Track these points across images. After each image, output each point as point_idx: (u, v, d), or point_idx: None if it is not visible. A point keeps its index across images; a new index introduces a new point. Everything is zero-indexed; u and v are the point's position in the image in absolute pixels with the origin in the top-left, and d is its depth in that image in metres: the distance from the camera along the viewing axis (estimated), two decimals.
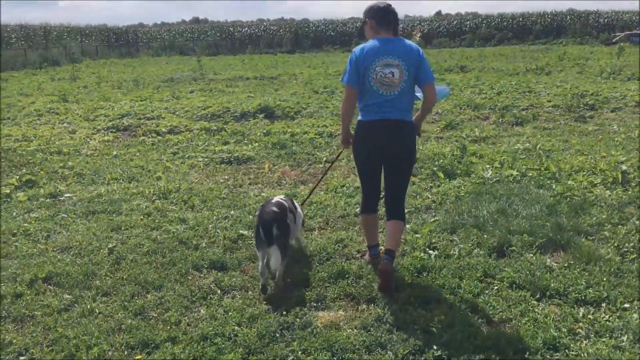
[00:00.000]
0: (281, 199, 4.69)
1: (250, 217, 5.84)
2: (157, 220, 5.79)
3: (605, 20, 48.49)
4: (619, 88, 13.63)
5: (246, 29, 52.03)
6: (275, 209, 4.38)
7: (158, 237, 5.35)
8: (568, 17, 49.52)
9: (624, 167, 6.53)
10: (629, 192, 6.02)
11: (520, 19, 49.41)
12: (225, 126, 11.03)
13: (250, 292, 4.28)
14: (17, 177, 7.35)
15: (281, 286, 4.35)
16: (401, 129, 4.29)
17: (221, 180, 7.34)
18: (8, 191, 6.84)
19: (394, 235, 4.40)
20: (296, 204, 4.95)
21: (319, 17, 56.29)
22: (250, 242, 5.24)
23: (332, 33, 50.04)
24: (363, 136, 4.42)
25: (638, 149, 7.81)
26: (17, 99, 15.65)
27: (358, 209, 5.99)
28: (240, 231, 5.45)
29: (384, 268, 4.19)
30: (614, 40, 34.38)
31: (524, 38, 45.65)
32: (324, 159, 8.32)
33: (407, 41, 4.36)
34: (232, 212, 6.01)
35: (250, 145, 9.27)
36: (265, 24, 56.21)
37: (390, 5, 4.37)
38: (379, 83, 4.22)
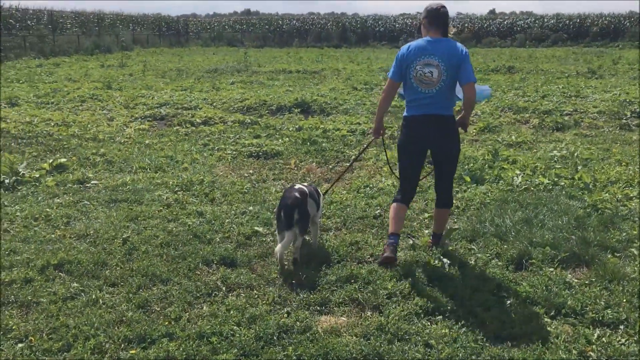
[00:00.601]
0: (303, 185, 4.92)
1: (269, 213, 5.80)
2: (175, 212, 5.80)
3: None
4: None
5: (294, 22, 52.08)
6: (299, 195, 4.63)
7: (174, 229, 5.36)
8: (627, 19, 47.72)
9: None
10: None
11: (577, 20, 47.88)
12: (259, 120, 11.04)
13: (255, 291, 4.22)
14: (50, 161, 7.49)
15: (297, 259, 4.60)
16: (440, 124, 4.57)
17: (245, 175, 7.32)
18: (38, 175, 6.98)
19: (440, 222, 4.93)
20: (320, 191, 5.19)
21: (371, 13, 55.86)
22: (264, 239, 5.20)
23: (380, 29, 49.60)
24: (405, 130, 4.73)
25: None
26: (63, 84, 16.08)
27: (378, 211, 5.90)
28: (256, 227, 5.41)
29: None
30: None
31: (580, 40, 44.25)
32: (353, 157, 8.21)
33: (453, 42, 4.54)
34: (250, 207, 5.97)
35: (280, 140, 9.23)
36: (314, 17, 56.15)
37: (443, 7, 4.58)
38: (418, 81, 4.53)
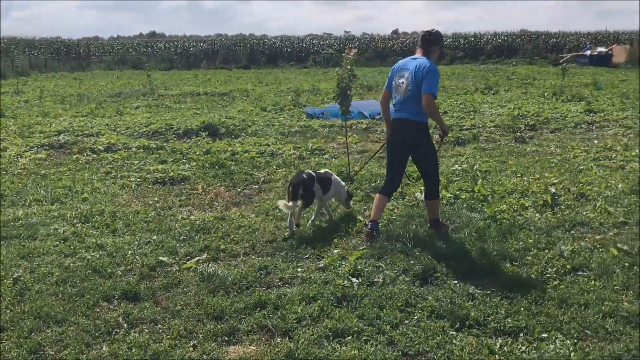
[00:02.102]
0: (312, 172, 6.10)
1: (174, 241, 5.62)
2: (73, 246, 5.49)
3: (555, 41, 50.15)
4: (560, 109, 13.94)
5: (202, 44, 51.58)
6: (305, 177, 5.90)
7: (71, 265, 5.06)
8: (519, 38, 50.99)
9: (552, 190, 6.56)
10: (558, 215, 6.03)
11: (473, 39, 50.58)
12: (165, 144, 10.76)
13: (159, 326, 4.04)
14: None
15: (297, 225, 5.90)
16: (407, 126, 5.50)
17: (150, 202, 7.06)
18: None
19: (430, 210, 5.72)
20: (334, 177, 6.25)
21: (278, 34, 56.26)
22: (169, 269, 5.02)
23: (288, 50, 50.09)
24: (391, 131, 5.73)
25: (570, 171, 7.90)
26: None
27: (287, 233, 5.85)
28: (161, 257, 5.21)
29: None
30: (561, 61, 35.42)
31: (477, 57, 46.64)
32: (262, 179, 8.14)
33: (424, 60, 5.41)
34: (154, 236, 5.75)
35: (187, 165, 9.02)
36: (221, 39, 55.84)
37: (426, 32, 5.58)
38: (395, 89, 5.58)
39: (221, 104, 17.44)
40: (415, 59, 5.50)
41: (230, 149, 10.11)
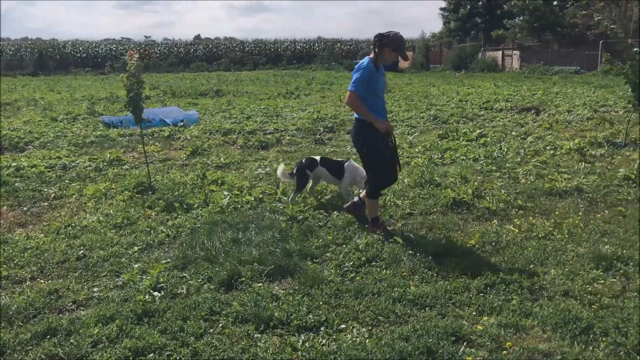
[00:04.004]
0: (320, 157, 6.99)
1: None
2: None
3: (349, 48, 53.70)
4: None
5: None
6: (304, 161, 6.83)
7: None
8: (316, 44, 53.69)
9: None
10: None
11: (273, 46, 52.09)
12: None
13: None
14: None
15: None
16: (353, 124, 5.82)
17: None
18: None
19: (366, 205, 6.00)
20: (349, 164, 6.69)
21: (71, 38, 52.36)
22: None
23: (82, 55, 46.96)
24: None
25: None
26: None
27: (82, 252, 5.46)
28: None
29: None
30: None
31: (278, 63, 48.13)
32: (52, 195, 7.47)
33: (364, 59, 5.61)
34: None
35: None
36: (3, 43, 50.49)
37: (379, 34, 5.56)
38: None
39: (4, 114, 15.72)
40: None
41: (14, 164, 9.13)
